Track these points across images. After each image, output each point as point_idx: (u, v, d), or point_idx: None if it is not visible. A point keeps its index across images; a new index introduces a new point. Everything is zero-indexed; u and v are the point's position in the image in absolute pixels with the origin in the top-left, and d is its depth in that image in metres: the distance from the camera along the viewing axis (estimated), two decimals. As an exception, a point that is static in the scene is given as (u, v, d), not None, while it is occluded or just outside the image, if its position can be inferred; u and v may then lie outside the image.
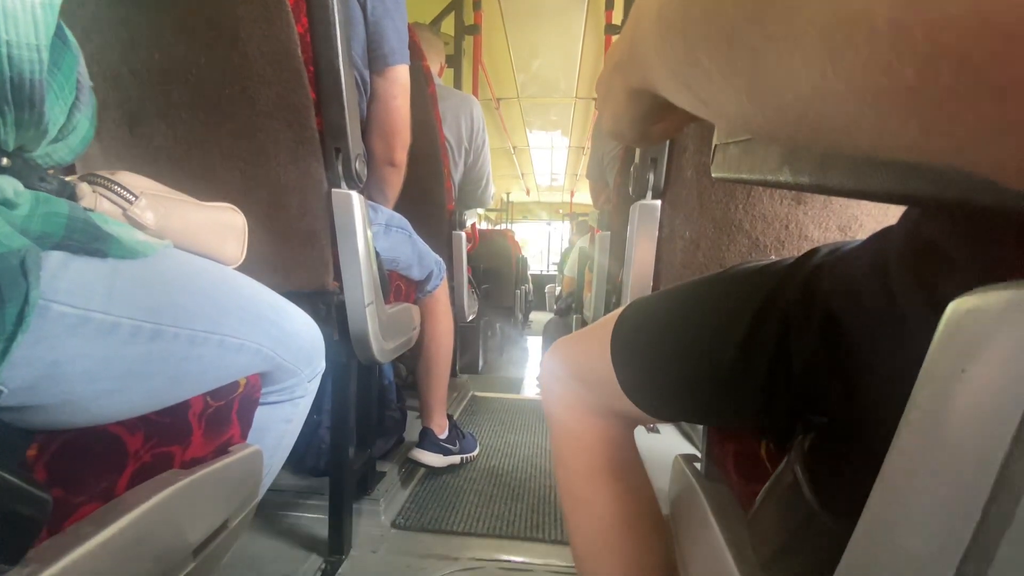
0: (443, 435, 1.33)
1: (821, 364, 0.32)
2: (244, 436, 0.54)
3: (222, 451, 0.50)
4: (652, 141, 0.33)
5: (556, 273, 6.62)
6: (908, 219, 0.30)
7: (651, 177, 0.74)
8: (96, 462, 0.37)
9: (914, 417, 0.16)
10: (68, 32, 0.39)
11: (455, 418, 1.65)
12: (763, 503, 0.31)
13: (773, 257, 0.74)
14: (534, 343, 4.50)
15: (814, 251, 0.38)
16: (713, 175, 0.38)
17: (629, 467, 0.52)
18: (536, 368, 3.44)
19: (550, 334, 3.32)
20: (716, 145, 0.38)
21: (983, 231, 0.24)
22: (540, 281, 6.74)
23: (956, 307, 0.15)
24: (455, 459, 1.36)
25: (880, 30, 0.10)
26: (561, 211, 10.10)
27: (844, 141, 0.13)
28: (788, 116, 0.14)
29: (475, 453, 1.45)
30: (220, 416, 0.49)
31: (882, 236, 0.33)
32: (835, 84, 0.12)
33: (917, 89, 0.10)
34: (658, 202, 0.76)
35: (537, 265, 11.02)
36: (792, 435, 0.33)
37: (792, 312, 0.35)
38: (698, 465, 0.50)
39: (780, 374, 0.35)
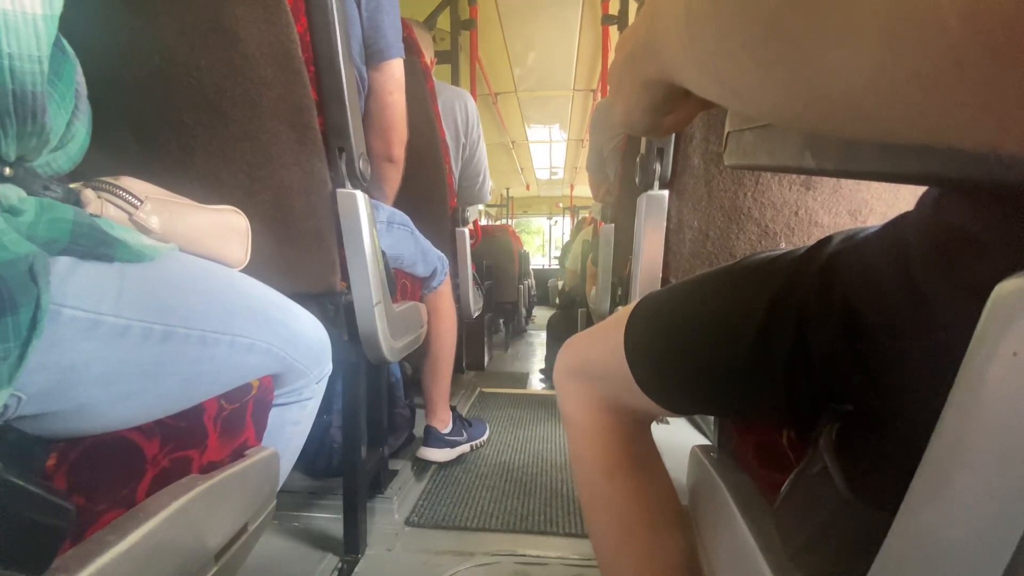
0: (446, 429, 1.34)
1: (842, 353, 0.32)
2: (259, 439, 0.54)
3: (238, 454, 0.50)
4: (664, 132, 0.33)
5: (558, 267, 6.61)
6: (926, 203, 0.30)
7: (658, 167, 0.74)
8: (115, 469, 0.37)
9: (960, 402, 0.16)
10: (65, 42, 0.39)
11: (463, 413, 1.65)
12: (790, 493, 0.30)
13: (783, 245, 0.74)
14: (538, 338, 4.50)
15: (828, 239, 0.38)
16: (726, 163, 0.38)
17: (647, 461, 0.52)
18: (541, 363, 3.44)
19: (554, 328, 3.32)
20: (729, 132, 0.37)
21: (1013, 211, 0.23)
22: (542, 276, 6.72)
23: (1003, 289, 0.15)
24: (464, 448, 1.37)
25: (951, 24, 0.10)
26: (561, 205, 10.08)
27: (901, 131, 0.13)
28: (836, 107, 0.13)
29: (485, 437, 1.45)
30: (235, 419, 0.49)
31: (899, 222, 0.32)
32: (897, 76, 0.11)
33: (994, 82, 0.10)
34: (665, 192, 0.76)
35: (538, 259, 11.02)
36: (815, 424, 0.33)
37: (809, 301, 0.34)
38: (715, 456, 0.50)
39: (799, 364, 0.34)
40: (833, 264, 0.34)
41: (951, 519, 0.16)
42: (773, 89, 0.15)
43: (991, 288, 0.22)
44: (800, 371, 0.34)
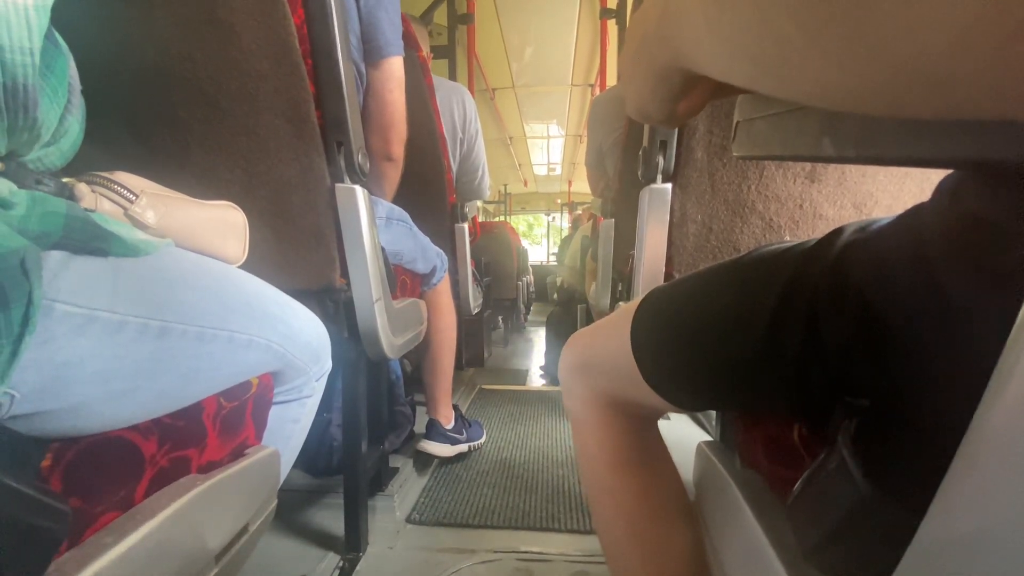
0: (449, 425, 1.33)
1: (857, 346, 0.31)
2: (259, 437, 0.54)
3: (238, 453, 0.49)
4: (678, 121, 0.32)
5: (556, 263, 6.60)
6: (943, 193, 0.29)
7: (661, 160, 0.73)
8: (113, 470, 0.36)
9: (1000, 393, 0.15)
10: (58, 34, 0.38)
11: (463, 411, 1.65)
12: (805, 489, 0.30)
13: (788, 238, 0.73)
14: (537, 334, 4.49)
15: (840, 230, 0.37)
16: (735, 154, 0.37)
17: (653, 455, 0.52)
18: (540, 359, 3.44)
19: (553, 325, 3.31)
20: (738, 122, 0.36)
21: None
22: (540, 272, 6.71)
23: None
24: (463, 447, 1.36)
25: None
26: (559, 201, 10.06)
27: (980, 103, 0.11)
28: (901, 76, 0.12)
29: (482, 440, 1.45)
30: (234, 418, 0.48)
31: (915, 213, 0.32)
32: (997, 32, 0.10)
33: None
34: (668, 186, 0.75)
35: (536, 255, 11.01)
36: (827, 419, 0.32)
37: (821, 294, 0.34)
38: (722, 451, 0.49)
39: (812, 357, 0.34)
40: (847, 255, 0.34)
41: (992, 515, 0.15)
42: (820, 61, 0.14)
43: (1015, 275, 0.21)
44: (812, 364, 0.33)
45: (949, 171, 0.29)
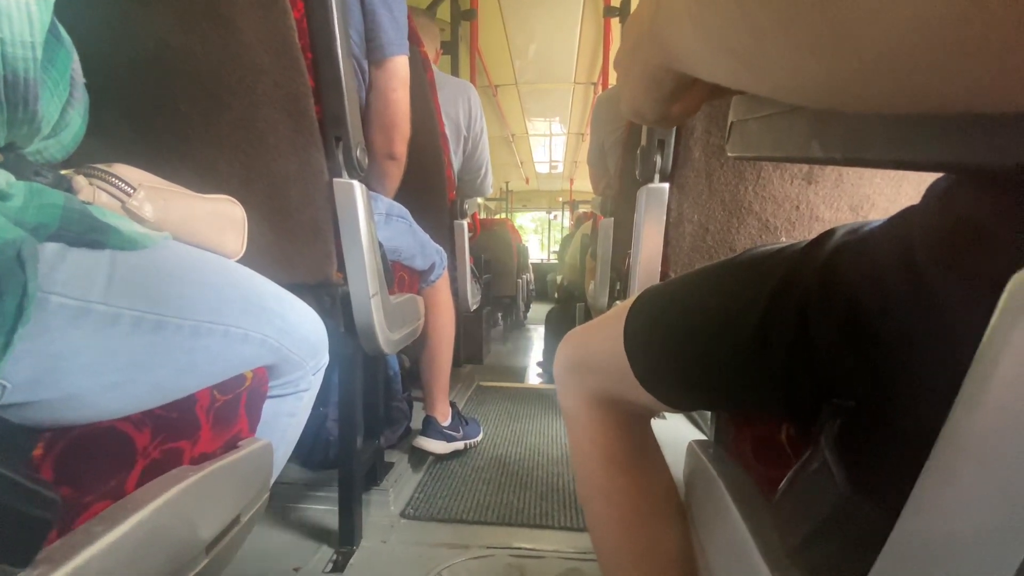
0: (446, 422, 1.33)
1: (845, 347, 0.31)
2: (252, 430, 0.54)
3: (231, 446, 0.49)
4: (672, 122, 0.32)
5: (556, 262, 6.60)
6: (933, 196, 0.29)
7: (658, 160, 0.73)
8: (104, 460, 0.36)
9: (972, 396, 0.15)
10: (61, 28, 0.38)
11: (460, 407, 1.65)
12: (789, 488, 0.30)
13: (784, 239, 0.73)
14: (536, 332, 4.50)
15: (831, 232, 0.37)
16: (729, 154, 0.37)
17: (646, 454, 0.52)
18: (539, 356, 3.45)
19: (552, 323, 3.32)
20: (732, 122, 0.36)
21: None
22: (541, 270, 6.71)
23: (1019, 280, 0.14)
24: (459, 445, 1.36)
25: None
26: (561, 199, 10.06)
27: (938, 91, 0.11)
28: (864, 68, 0.12)
29: (479, 439, 1.45)
30: (228, 410, 0.48)
31: (905, 216, 0.32)
32: (949, 12, 0.10)
33: None
34: (666, 185, 0.75)
35: (537, 253, 10.99)
36: (814, 419, 0.33)
37: (811, 295, 0.34)
38: (712, 451, 0.50)
39: (800, 358, 0.34)
40: (837, 257, 0.34)
41: (961, 516, 0.15)
42: (794, 52, 0.14)
43: (1001, 280, 0.22)
44: (800, 365, 0.34)
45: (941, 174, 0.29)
